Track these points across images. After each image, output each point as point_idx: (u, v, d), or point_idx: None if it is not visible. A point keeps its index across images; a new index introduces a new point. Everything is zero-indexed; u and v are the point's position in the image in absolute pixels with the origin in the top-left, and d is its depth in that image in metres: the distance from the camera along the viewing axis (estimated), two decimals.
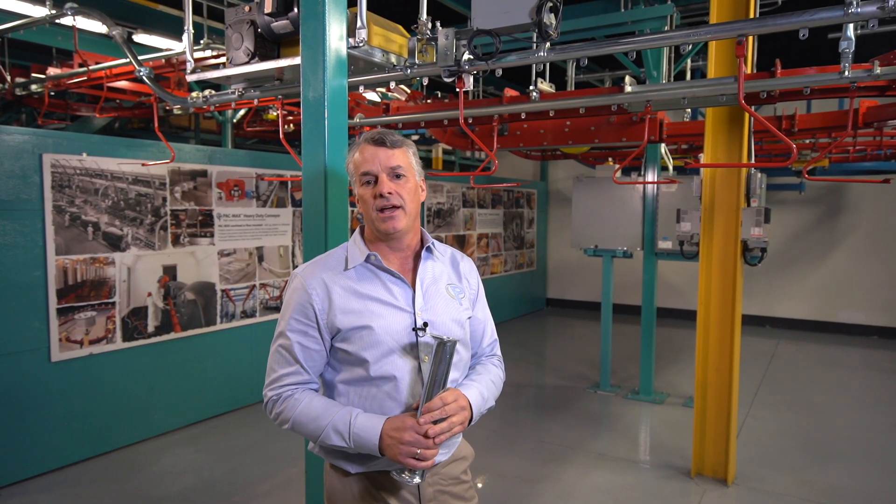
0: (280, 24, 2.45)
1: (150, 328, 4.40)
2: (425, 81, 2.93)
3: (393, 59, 2.60)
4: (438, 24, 2.66)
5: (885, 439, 4.56)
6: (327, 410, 1.45)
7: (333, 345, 1.50)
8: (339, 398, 1.52)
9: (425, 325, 1.49)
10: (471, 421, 1.50)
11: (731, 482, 3.77)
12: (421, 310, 1.51)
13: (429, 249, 1.60)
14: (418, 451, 1.37)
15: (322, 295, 1.48)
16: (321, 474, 2.26)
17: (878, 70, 2.69)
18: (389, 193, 1.47)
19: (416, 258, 1.59)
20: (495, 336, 1.75)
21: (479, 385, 1.56)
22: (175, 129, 7.92)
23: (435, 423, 1.40)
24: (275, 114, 6.71)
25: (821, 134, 5.14)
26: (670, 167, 5.66)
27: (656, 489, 3.76)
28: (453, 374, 1.51)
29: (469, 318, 1.63)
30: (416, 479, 1.44)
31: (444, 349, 1.40)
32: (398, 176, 1.50)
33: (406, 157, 1.53)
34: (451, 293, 1.59)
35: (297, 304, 1.49)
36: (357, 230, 1.61)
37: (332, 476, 1.57)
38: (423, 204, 1.81)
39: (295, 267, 5.48)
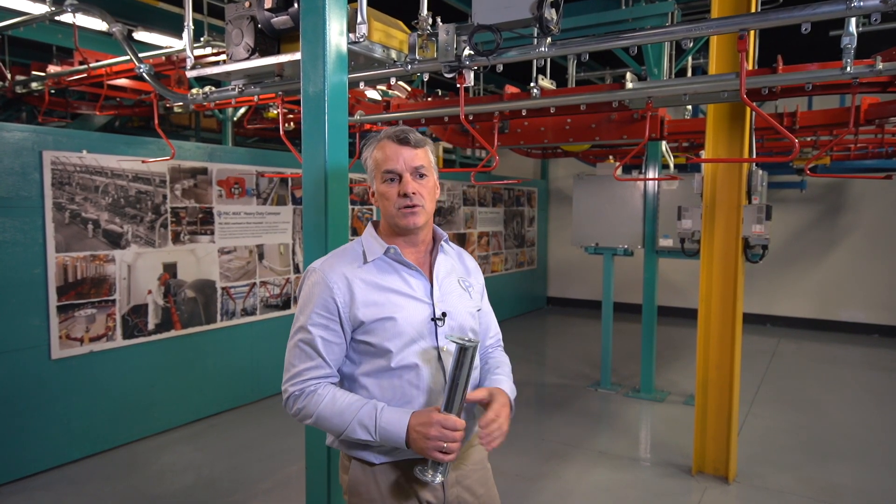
0: (280, 20, 2.45)
1: (151, 326, 4.39)
2: (426, 77, 2.92)
3: (393, 54, 2.60)
4: (439, 19, 2.65)
5: (885, 437, 4.56)
6: (351, 405, 1.47)
7: (354, 337, 1.53)
8: (360, 391, 1.55)
9: (444, 315, 1.55)
10: None
11: (731, 480, 3.77)
12: (438, 301, 1.57)
13: (442, 245, 1.66)
14: (444, 445, 1.40)
15: (343, 288, 1.51)
16: (322, 473, 2.26)
17: (880, 66, 2.68)
18: (413, 193, 1.51)
19: (429, 253, 1.65)
20: (498, 329, 1.84)
21: (507, 378, 1.67)
22: (175, 127, 7.91)
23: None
24: (275, 112, 6.70)
25: (822, 131, 5.14)
26: (671, 165, 5.65)
27: (657, 487, 3.75)
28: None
29: (478, 310, 1.70)
30: (439, 478, 1.46)
31: (465, 354, 1.41)
32: (421, 175, 1.54)
33: (427, 157, 1.58)
34: (463, 286, 1.66)
35: (319, 298, 1.50)
36: (370, 225, 1.65)
37: (356, 468, 1.58)
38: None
39: (295, 265, 5.49)
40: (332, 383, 1.54)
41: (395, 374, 1.51)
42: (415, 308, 1.53)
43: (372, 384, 1.53)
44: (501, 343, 1.83)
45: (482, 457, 1.72)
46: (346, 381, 1.58)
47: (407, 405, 1.51)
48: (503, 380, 1.63)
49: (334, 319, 1.50)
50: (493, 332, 1.80)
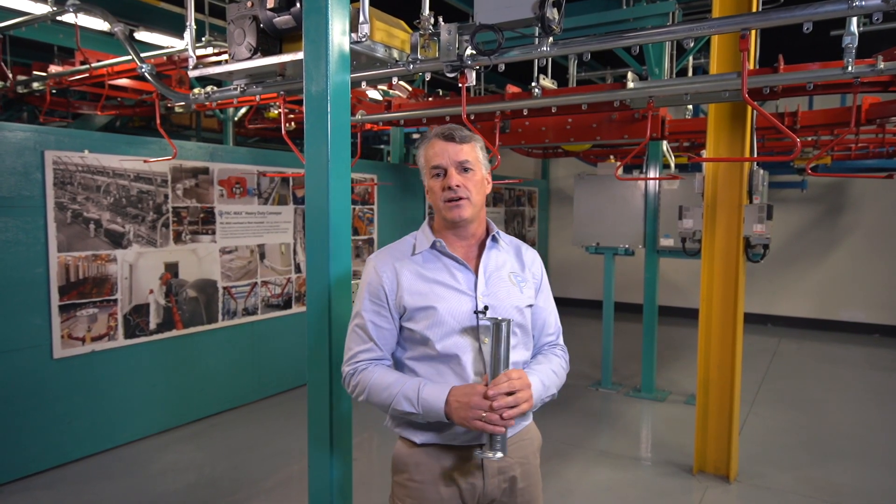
0: (282, 20, 2.45)
1: (152, 325, 4.40)
2: (427, 77, 2.92)
3: (395, 54, 2.60)
4: (441, 19, 2.65)
5: (886, 437, 4.56)
6: (398, 380, 1.57)
7: (402, 324, 1.63)
8: (408, 374, 1.63)
9: (486, 308, 1.57)
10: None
11: (733, 479, 3.77)
12: (482, 294, 1.61)
13: (494, 239, 1.69)
14: (483, 414, 1.44)
15: (391, 278, 1.62)
16: (325, 473, 2.27)
17: (881, 65, 2.69)
18: (457, 186, 1.58)
19: (481, 247, 1.68)
20: (559, 326, 1.81)
21: (540, 374, 1.62)
22: (176, 127, 7.92)
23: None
24: (276, 112, 6.71)
25: (823, 131, 5.14)
26: (672, 165, 5.65)
27: (658, 486, 3.76)
28: (513, 357, 1.58)
29: (530, 305, 1.69)
30: (499, 454, 1.49)
31: (500, 329, 1.48)
32: (466, 169, 1.60)
33: (474, 152, 1.63)
34: (513, 281, 1.67)
35: (370, 286, 1.64)
36: (426, 220, 1.73)
37: (400, 446, 1.68)
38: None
39: (296, 264, 5.51)
40: (385, 366, 1.65)
41: (437, 360, 1.59)
42: (457, 300, 1.59)
43: (418, 368, 1.62)
44: (561, 342, 1.80)
45: (529, 452, 1.72)
46: (398, 367, 1.68)
47: None
48: (532, 373, 1.60)
49: (383, 306, 1.62)
50: (551, 329, 1.77)
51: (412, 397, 1.52)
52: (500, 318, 1.49)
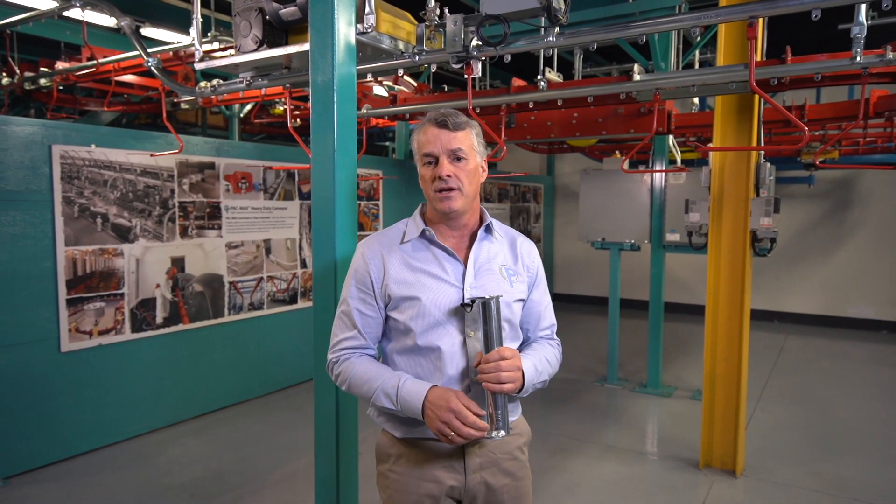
0: (288, 11, 2.45)
1: (159, 319, 4.41)
2: (433, 69, 2.92)
3: (401, 45, 2.59)
4: (446, 10, 2.65)
5: (892, 432, 4.53)
6: (380, 374, 1.53)
7: (387, 314, 1.59)
8: (392, 367, 1.61)
9: (472, 301, 1.51)
10: (520, 391, 1.51)
11: (739, 473, 3.75)
12: (470, 286, 1.56)
13: (487, 229, 1.64)
14: (451, 434, 1.42)
15: (378, 265, 1.58)
16: (331, 466, 2.27)
17: (890, 55, 2.66)
18: (448, 176, 1.52)
19: (473, 237, 1.63)
20: (553, 321, 1.75)
21: (534, 358, 1.58)
22: (182, 124, 7.95)
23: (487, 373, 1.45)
24: (282, 108, 6.72)
25: (831, 125, 5.11)
26: (678, 160, 5.63)
27: (664, 480, 3.75)
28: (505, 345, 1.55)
29: (519, 300, 1.63)
30: (501, 433, 1.48)
31: (489, 307, 1.45)
32: (458, 158, 1.54)
33: (468, 139, 1.56)
34: (504, 274, 1.61)
35: (357, 273, 1.60)
36: (419, 207, 1.69)
37: (383, 437, 1.67)
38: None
39: (302, 259, 5.52)
40: (369, 355, 1.61)
41: (420, 352, 1.55)
42: (443, 291, 1.54)
43: (401, 361, 1.59)
44: (555, 337, 1.75)
45: (515, 448, 1.67)
46: (383, 358, 1.65)
47: None
48: (526, 357, 1.57)
49: (370, 294, 1.58)
50: (545, 323, 1.72)
51: (391, 394, 1.49)
52: (486, 297, 1.45)
